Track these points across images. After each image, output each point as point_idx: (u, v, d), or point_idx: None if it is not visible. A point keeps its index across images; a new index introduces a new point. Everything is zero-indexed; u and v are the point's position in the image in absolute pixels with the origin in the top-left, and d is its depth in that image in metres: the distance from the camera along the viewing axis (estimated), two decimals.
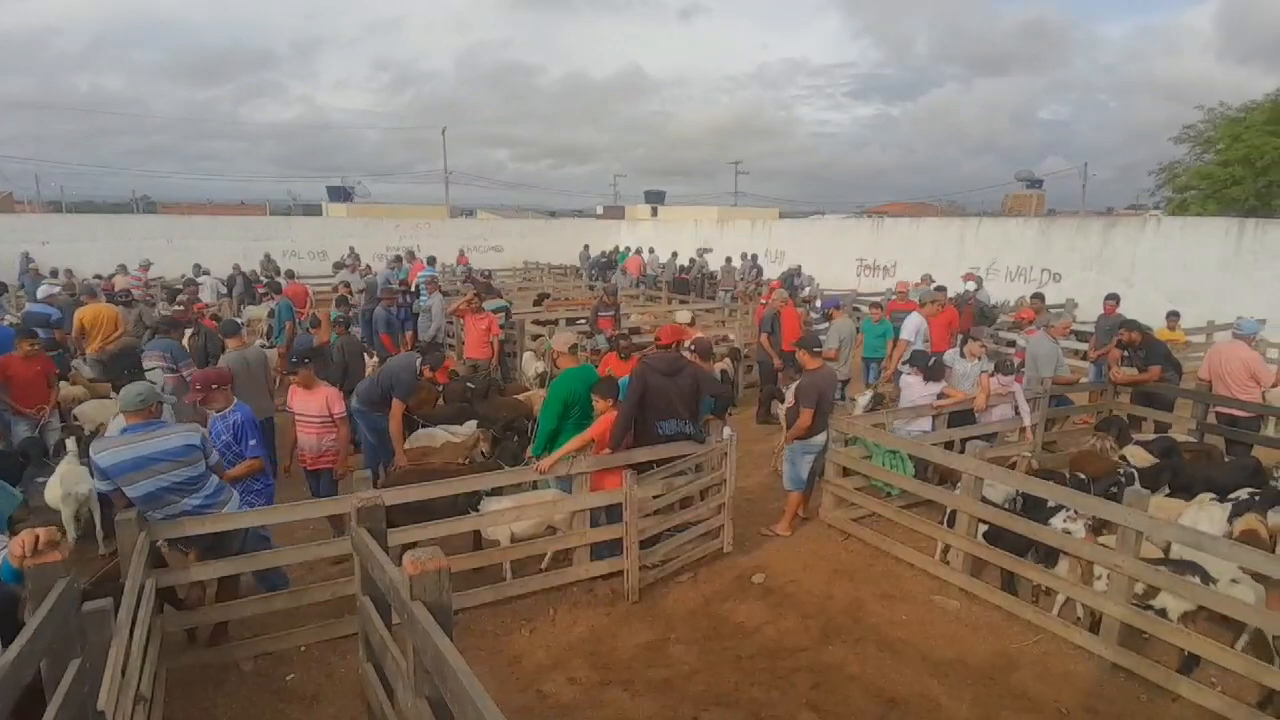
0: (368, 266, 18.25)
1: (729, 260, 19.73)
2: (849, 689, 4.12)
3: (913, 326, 8.75)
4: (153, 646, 3.71)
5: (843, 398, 8.62)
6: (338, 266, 17.96)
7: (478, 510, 4.99)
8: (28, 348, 6.20)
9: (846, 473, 6.20)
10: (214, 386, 4.66)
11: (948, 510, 5.35)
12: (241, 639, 4.39)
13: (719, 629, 4.73)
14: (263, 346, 8.94)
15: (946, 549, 5.38)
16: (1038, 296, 10.84)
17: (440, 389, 8.02)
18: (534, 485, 5.44)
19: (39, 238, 19.96)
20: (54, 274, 16.34)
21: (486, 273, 19.12)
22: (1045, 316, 9.52)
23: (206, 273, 16.72)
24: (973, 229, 18.24)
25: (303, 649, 4.39)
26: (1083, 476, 5.52)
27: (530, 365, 10.20)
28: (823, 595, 5.14)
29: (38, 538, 2.42)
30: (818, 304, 11.97)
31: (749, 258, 20.14)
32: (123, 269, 15.91)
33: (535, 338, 10.55)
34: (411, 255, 19.30)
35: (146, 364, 6.83)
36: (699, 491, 5.59)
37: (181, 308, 10.65)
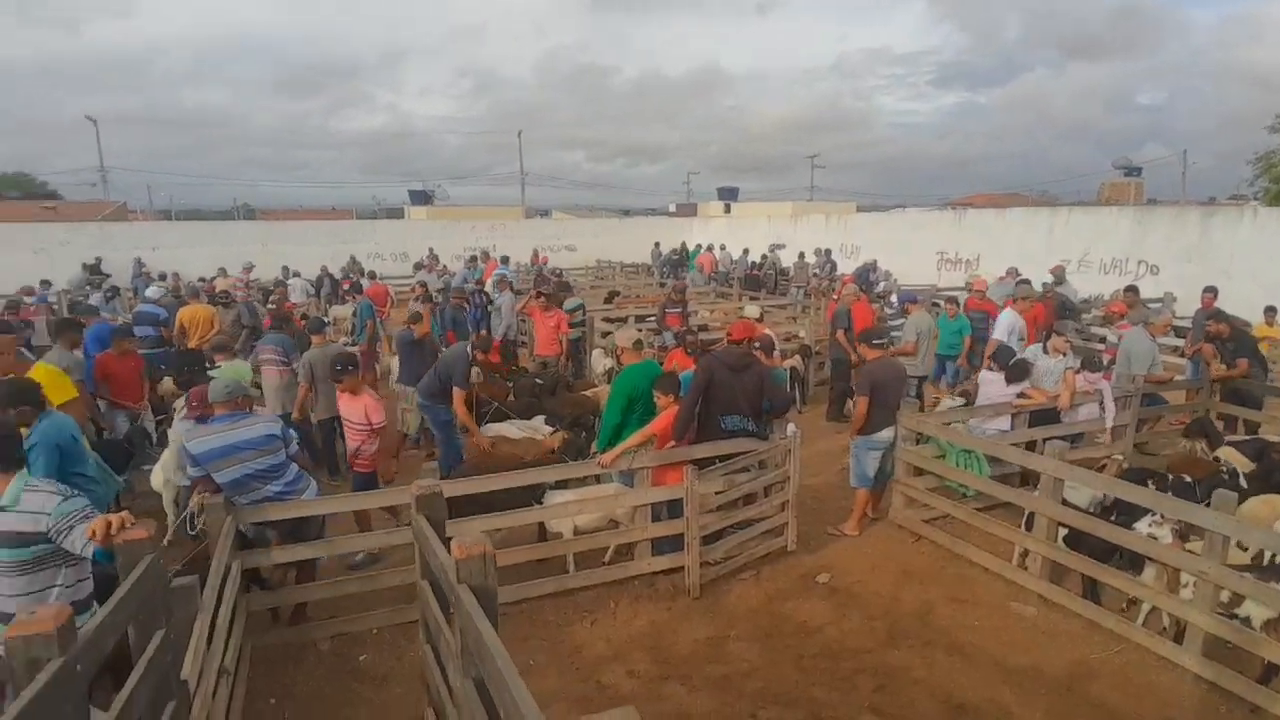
0: (445, 267, 18.85)
1: (802, 256, 19.39)
2: (914, 693, 3.99)
3: (1006, 324, 8.38)
4: (238, 624, 3.96)
5: (917, 395, 8.36)
6: (417, 267, 18.61)
7: (541, 503, 5.10)
8: (125, 346, 6.67)
9: (918, 472, 6.00)
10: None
11: (1026, 513, 5.11)
12: (319, 620, 4.62)
13: (780, 627, 4.67)
14: (345, 344, 9.40)
15: (1025, 553, 5.13)
16: (1131, 290, 10.17)
17: (510, 384, 8.23)
18: (597, 479, 5.50)
19: (150, 244, 21.51)
20: (162, 277, 17.59)
21: (558, 271, 19.45)
22: (1141, 311, 8.94)
23: (296, 274, 17.62)
24: (1062, 219, 17.29)
25: (374, 632, 4.59)
26: (1188, 479, 5.18)
27: (599, 362, 10.32)
28: (890, 597, 5.00)
29: (110, 523, 2.61)
30: (893, 299, 11.59)
31: (823, 253, 19.74)
32: (223, 272, 16.98)
33: (605, 334, 10.66)
34: (486, 255, 19.81)
35: (261, 357, 7.32)
36: (762, 488, 5.52)
37: (273, 307, 11.29)
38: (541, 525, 5.32)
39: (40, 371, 5.20)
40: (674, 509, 5.12)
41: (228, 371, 6.21)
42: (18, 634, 1.72)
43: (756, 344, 6.41)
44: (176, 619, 2.79)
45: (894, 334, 9.05)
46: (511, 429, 6.67)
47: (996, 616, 4.76)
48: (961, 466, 5.72)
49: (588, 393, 8.16)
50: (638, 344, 5.94)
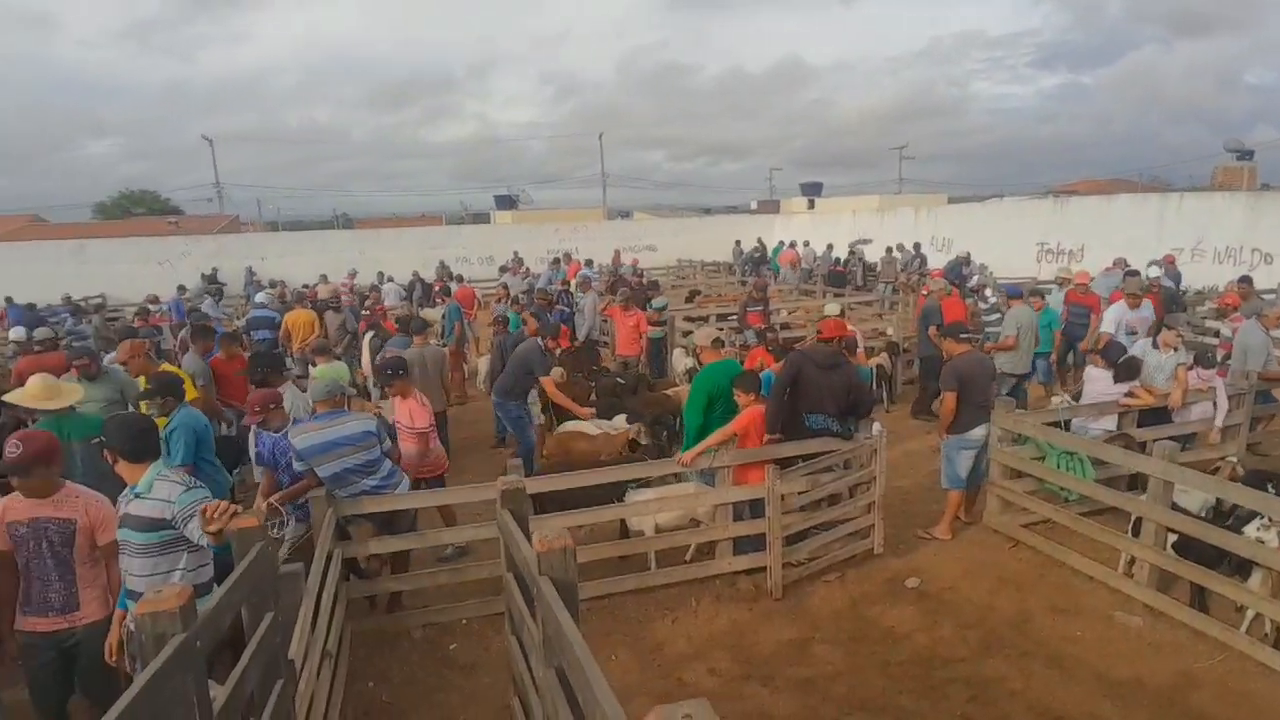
0: (528, 269, 19.31)
1: (889, 251, 18.79)
2: (1009, 705, 3.81)
3: (1114, 318, 7.90)
4: (339, 609, 4.19)
5: (1015, 392, 7.97)
6: (503, 270, 19.14)
7: (623, 500, 5.16)
8: (232, 350, 7.12)
9: (1016, 474, 5.72)
10: (271, 406, 4.65)
11: (1133, 518, 4.80)
12: (412, 609, 4.84)
13: (866, 632, 4.55)
14: (437, 346, 9.79)
15: (1131, 560, 4.82)
16: (1245, 280, 9.36)
17: (592, 384, 8.37)
18: (676, 478, 5.51)
19: (259, 254, 23.04)
20: (271, 284, 18.79)
21: (640, 272, 19.57)
22: (1255, 303, 8.22)
23: (390, 279, 18.45)
24: (1173, 206, 16.07)
25: (464, 622, 4.76)
26: None
27: (680, 361, 10.33)
28: (984, 605, 4.79)
29: (216, 507, 2.82)
30: (987, 293, 11.06)
31: (913, 247, 19.06)
32: (324, 278, 17.96)
33: (685, 334, 10.66)
34: (569, 257, 20.16)
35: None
36: (847, 489, 5.40)
37: (369, 313, 11.87)
38: (623, 522, 5.38)
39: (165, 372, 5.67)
40: (756, 508, 5.07)
41: (327, 372, 6.56)
42: (146, 611, 1.89)
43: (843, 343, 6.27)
44: (284, 603, 2.98)
45: (991, 329, 8.66)
46: (590, 427, 6.77)
47: (1100, 627, 4.50)
48: (1063, 469, 5.42)
49: (669, 392, 8.19)
50: (717, 342, 5.92)
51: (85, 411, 4.69)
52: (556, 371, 6.99)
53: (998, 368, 7.01)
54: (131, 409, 5.08)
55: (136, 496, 3.04)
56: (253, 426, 4.70)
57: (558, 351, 7.31)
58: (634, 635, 4.60)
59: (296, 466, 4.72)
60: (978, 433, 5.52)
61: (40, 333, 7.93)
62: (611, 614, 4.77)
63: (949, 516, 5.72)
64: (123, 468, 3.10)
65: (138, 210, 44.42)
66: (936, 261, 18.68)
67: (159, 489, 3.03)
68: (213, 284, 20.13)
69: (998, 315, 9.03)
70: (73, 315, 13.94)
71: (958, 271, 15.25)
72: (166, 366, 5.98)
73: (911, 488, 6.72)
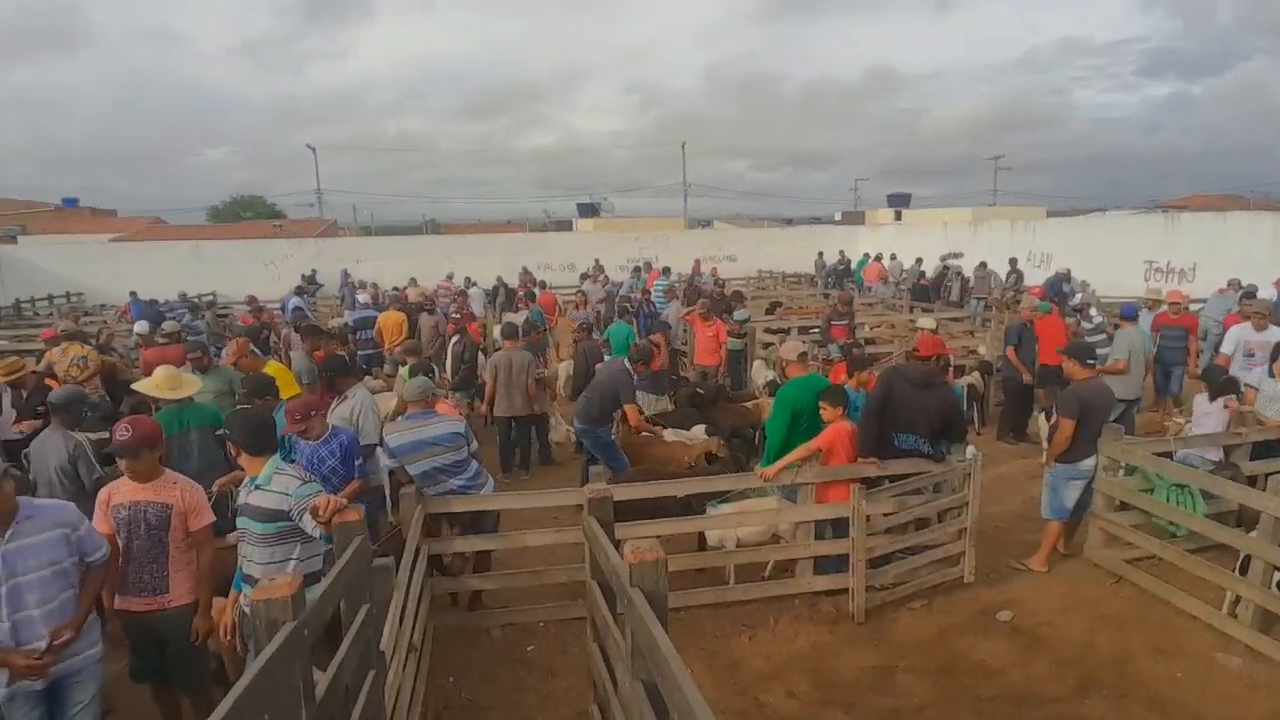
0: (606, 277, 19.50)
1: (983, 265, 18.03)
2: None
3: (1235, 338, 7.37)
4: (424, 605, 4.31)
5: (1122, 419, 7.49)
6: (583, 277, 19.40)
7: (700, 512, 5.11)
8: (329, 348, 7.43)
9: (1122, 506, 5.37)
10: (312, 414, 4.37)
11: (1241, 555, 4.44)
12: (492, 609, 4.93)
13: (955, 664, 4.35)
14: None
15: (1236, 600, 4.48)
16: None
17: (671, 393, 8.35)
18: (756, 493, 5.42)
19: (354, 257, 24.17)
20: (363, 286, 19.66)
21: (721, 281, 19.45)
22: None
23: (475, 284, 18.99)
24: None
25: (542, 625, 4.82)
26: None
27: (760, 373, 10.18)
28: (1083, 643, 4.50)
29: (326, 502, 2.94)
30: (1092, 313, 10.43)
31: (1009, 263, 18.22)
32: (413, 281, 18.66)
33: (766, 346, 10.52)
34: (649, 266, 20.24)
35: None
36: (936, 513, 5.19)
37: (459, 317, 12.25)
38: (700, 534, 5.34)
39: (271, 368, 6.00)
40: (839, 528, 4.94)
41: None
42: (260, 598, 1.99)
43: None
44: (377, 595, 3.09)
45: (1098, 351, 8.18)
46: (668, 435, 6.74)
47: (1202, 669, 4.22)
48: (1173, 502, 5.05)
49: (748, 404, 8.09)
50: (803, 356, 5.80)
51: (200, 402, 5.02)
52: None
53: None
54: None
55: (257, 488, 3.22)
56: (290, 435, 4.39)
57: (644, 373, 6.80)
58: (710, 650, 4.54)
59: (387, 463, 4.90)
60: (1089, 464, 5.21)
61: (167, 326, 8.54)
62: (687, 627, 4.72)
63: (1047, 548, 5.42)
64: (244, 460, 3.29)
65: (246, 214, 47.37)
66: (1034, 278, 17.80)
67: (278, 482, 3.20)
68: (311, 284, 21.23)
69: (1102, 336, 8.53)
70: (190, 311, 14.95)
71: (1058, 289, 14.50)
72: (273, 365, 6.32)
73: (1004, 514, 6.40)
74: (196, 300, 17.74)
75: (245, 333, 9.01)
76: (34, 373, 6.18)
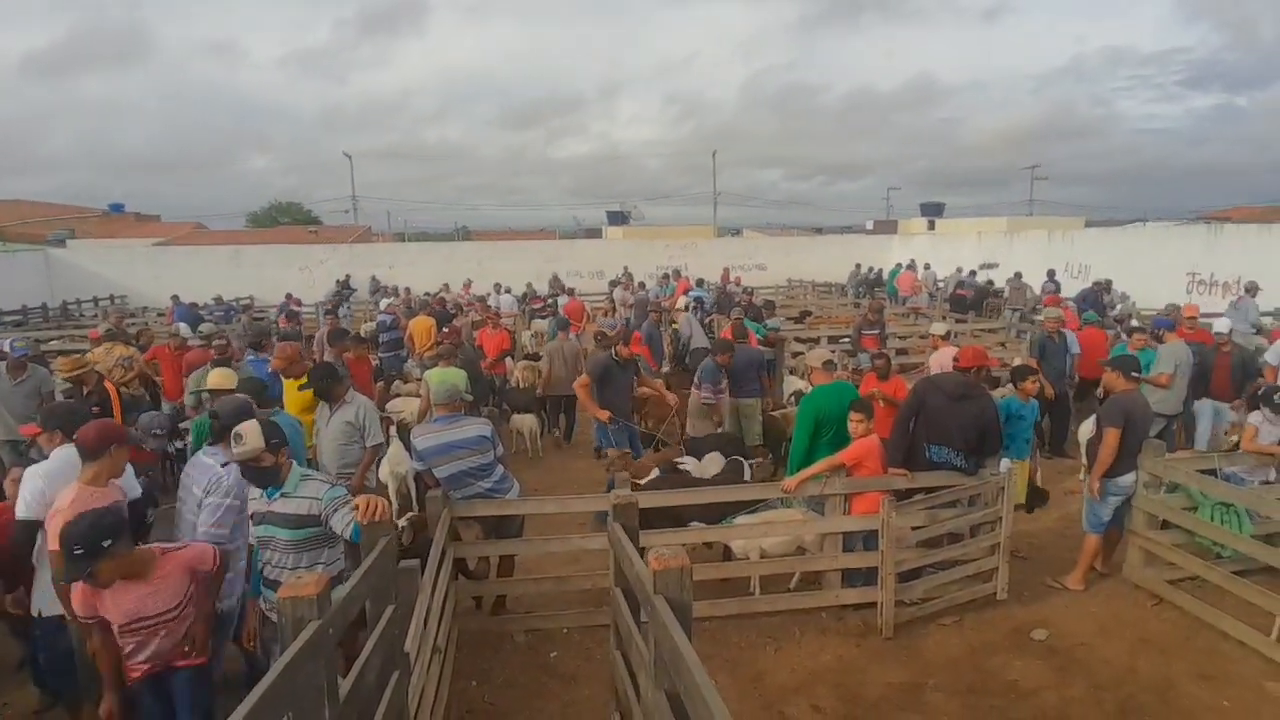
0: (641, 285, 19.54)
1: (1018, 275, 17.70)
2: None
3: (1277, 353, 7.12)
4: (448, 607, 4.32)
5: (1163, 435, 7.27)
6: (613, 284, 19.46)
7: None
8: (359, 351, 7.51)
9: (1164, 525, 5.20)
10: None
11: None
12: (515, 614, 4.92)
13: (986, 684, 4.23)
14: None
15: None
16: None
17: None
18: (782, 503, 5.36)
19: (388, 263, 24.54)
20: (395, 291, 19.94)
21: (750, 290, 19.36)
22: None
23: (508, 290, 19.15)
24: None
25: (565, 631, 4.79)
26: None
27: (790, 384, 10.08)
28: (1123, 666, 4.35)
29: (378, 504, 2.95)
30: (1133, 323, 10.16)
31: (1046, 273, 17.86)
32: (445, 287, 18.88)
33: (796, 354, 10.42)
34: (678, 274, 20.23)
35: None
36: (969, 528, 5.07)
37: (480, 320, 12.38)
38: (727, 545, 5.28)
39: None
40: (868, 540, 4.85)
41: (448, 376, 6.83)
42: (287, 595, 2.00)
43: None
44: (402, 596, 3.10)
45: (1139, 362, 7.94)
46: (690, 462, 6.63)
47: (1250, 696, 4.04)
48: (1218, 521, 4.88)
49: (775, 414, 8.01)
50: (829, 364, 5.74)
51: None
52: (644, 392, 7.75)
53: None
54: None
55: (283, 495, 3.24)
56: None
57: (630, 357, 7.48)
58: (734, 661, 4.48)
59: (415, 466, 4.93)
60: (1127, 480, 5.05)
61: (205, 328, 9.15)
62: (711, 637, 4.67)
63: (1084, 565, 5.26)
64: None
65: (283, 219, 48.31)
66: (1071, 289, 17.42)
67: (305, 487, 3.23)
68: (345, 289, 21.58)
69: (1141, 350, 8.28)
70: (225, 315, 15.29)
71: (1096, 299, 14.16)
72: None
73: (1039, 531, 6.24)
74: (233, 304, 18.15)
75: (286, 335, 9.22)
76: (95, 372, 6.38)
